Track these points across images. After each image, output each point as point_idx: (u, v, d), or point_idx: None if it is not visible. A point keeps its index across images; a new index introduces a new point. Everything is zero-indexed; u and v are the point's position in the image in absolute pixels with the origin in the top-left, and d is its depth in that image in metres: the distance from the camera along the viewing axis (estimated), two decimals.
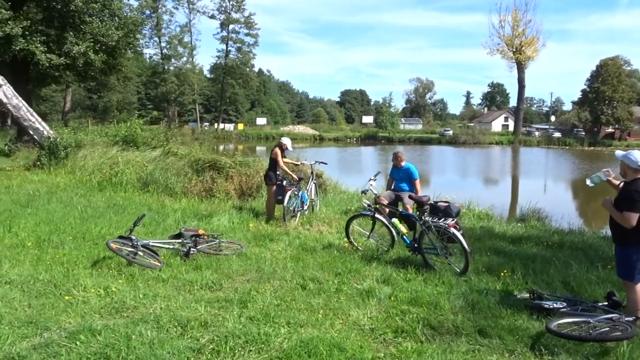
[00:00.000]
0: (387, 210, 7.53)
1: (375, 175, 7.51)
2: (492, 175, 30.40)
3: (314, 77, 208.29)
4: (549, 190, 24.15)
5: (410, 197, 7.65)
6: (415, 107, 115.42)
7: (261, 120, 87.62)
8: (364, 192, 7.32)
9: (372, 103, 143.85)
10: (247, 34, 69.92)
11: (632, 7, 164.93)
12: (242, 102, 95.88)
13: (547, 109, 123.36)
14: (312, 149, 51.58)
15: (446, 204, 6.40)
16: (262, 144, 60.64)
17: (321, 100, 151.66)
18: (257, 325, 4.24)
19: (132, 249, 5.87)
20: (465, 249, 5.95)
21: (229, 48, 70.06)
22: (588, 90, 69.40)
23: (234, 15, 68.54)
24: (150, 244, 6.33)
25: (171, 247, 6.57)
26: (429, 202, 6.61)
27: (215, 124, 75.74)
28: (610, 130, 70.47)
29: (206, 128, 72.72)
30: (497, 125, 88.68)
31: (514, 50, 66.96)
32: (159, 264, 5.98)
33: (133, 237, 6.03)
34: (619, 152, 4.78)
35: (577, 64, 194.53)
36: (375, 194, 7.17)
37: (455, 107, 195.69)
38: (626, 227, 4.48)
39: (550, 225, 10.01)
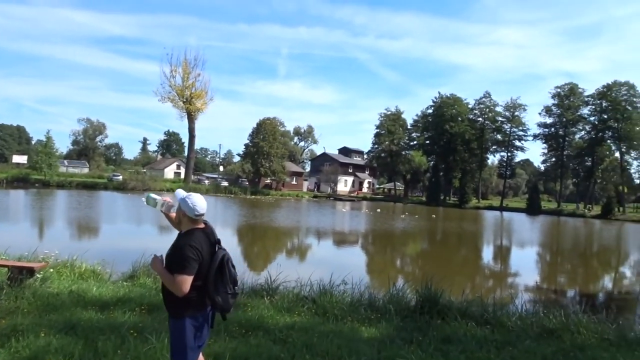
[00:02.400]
0: None
1: None
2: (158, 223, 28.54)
3: None
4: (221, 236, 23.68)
5: None
6: (84, 150, 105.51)
7: None
8: None
9: (34, 142, 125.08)
10: None
11: (288, 79, 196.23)
12: None
13: (219, 159, 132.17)
14: None
15: None
16: None
17: None
18: None
19: None
20: None
21: None
22: (250, 144, 76.82)
23: None
24: None
25: None
26: None
27: None
28: (268, 181, 79.28)
29: None
30: (169, 172, 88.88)
31: (184, 100, 68.74)
32: None
33: None
34: (179, 192, 3.42)
35: (247, 122, 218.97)
36: None
37: (132, 152, 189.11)
38: (177, 294, 3.08)
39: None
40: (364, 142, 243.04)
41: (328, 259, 17.66)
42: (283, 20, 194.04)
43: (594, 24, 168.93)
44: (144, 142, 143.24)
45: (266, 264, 15.34)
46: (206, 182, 78.18)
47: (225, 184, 74.44)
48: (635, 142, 75.09)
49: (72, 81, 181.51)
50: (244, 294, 7.23)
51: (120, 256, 10.56)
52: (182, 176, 78.35)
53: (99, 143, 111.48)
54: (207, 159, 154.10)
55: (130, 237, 21.05)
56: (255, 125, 77.99)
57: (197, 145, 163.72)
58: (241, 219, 31.83)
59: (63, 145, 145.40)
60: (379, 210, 52.62)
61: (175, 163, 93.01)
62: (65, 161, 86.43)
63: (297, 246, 22.00)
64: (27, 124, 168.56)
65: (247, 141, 78.46)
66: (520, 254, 24.87)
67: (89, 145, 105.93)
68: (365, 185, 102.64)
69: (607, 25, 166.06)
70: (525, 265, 19.79)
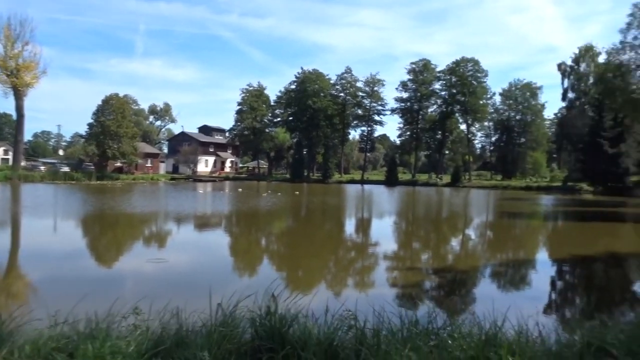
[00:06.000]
0: None
1: None
2: None
3: None
4: (59, 229, 18.97)
5: None
6: None
7: None
8: None
9: None
10: None
11: (146, 57, 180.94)
12: None
13: (65, 143, 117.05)
14: None
15: None
16: None
17: None
18: None
19: None
20: None
21: None
22: (95, 124, 67.94)
23: None
24: None
25: None
26: None
27: None
28: (119, 164, 71.30)
29: None
30: None
31: (9, 73, 58.01)
32: None
33: None
34: None
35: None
36: None
37: None
38: None
39: None
40: (230, 121, 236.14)
41: (163, 249, 14.29)
42: None
43: (440, 9, 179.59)
44: None
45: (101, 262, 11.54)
46: (42, 168, 67.74)
47: (65, 169, 65.16)
48: (479, 115, 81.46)
49: None
50: None
51: None
52: (11, 162, 66.93)
53: None
54: (51, 142, 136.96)
55: None
56: (100, 103, 69.03)
57: (39, 128, 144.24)
58: (89, 207, 26.71)
59: None
60: (240, 189, 49.49)
61: (2, 148, 79.42)
62: None
63: (149, 235, 18.14)
64: None
65: (91, 120, 69.26)
66: (382, 224, 23.86)
67: None
68: (228, 164, 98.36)
69: (451, 11, 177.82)
70: (389, 236, 18.38)
